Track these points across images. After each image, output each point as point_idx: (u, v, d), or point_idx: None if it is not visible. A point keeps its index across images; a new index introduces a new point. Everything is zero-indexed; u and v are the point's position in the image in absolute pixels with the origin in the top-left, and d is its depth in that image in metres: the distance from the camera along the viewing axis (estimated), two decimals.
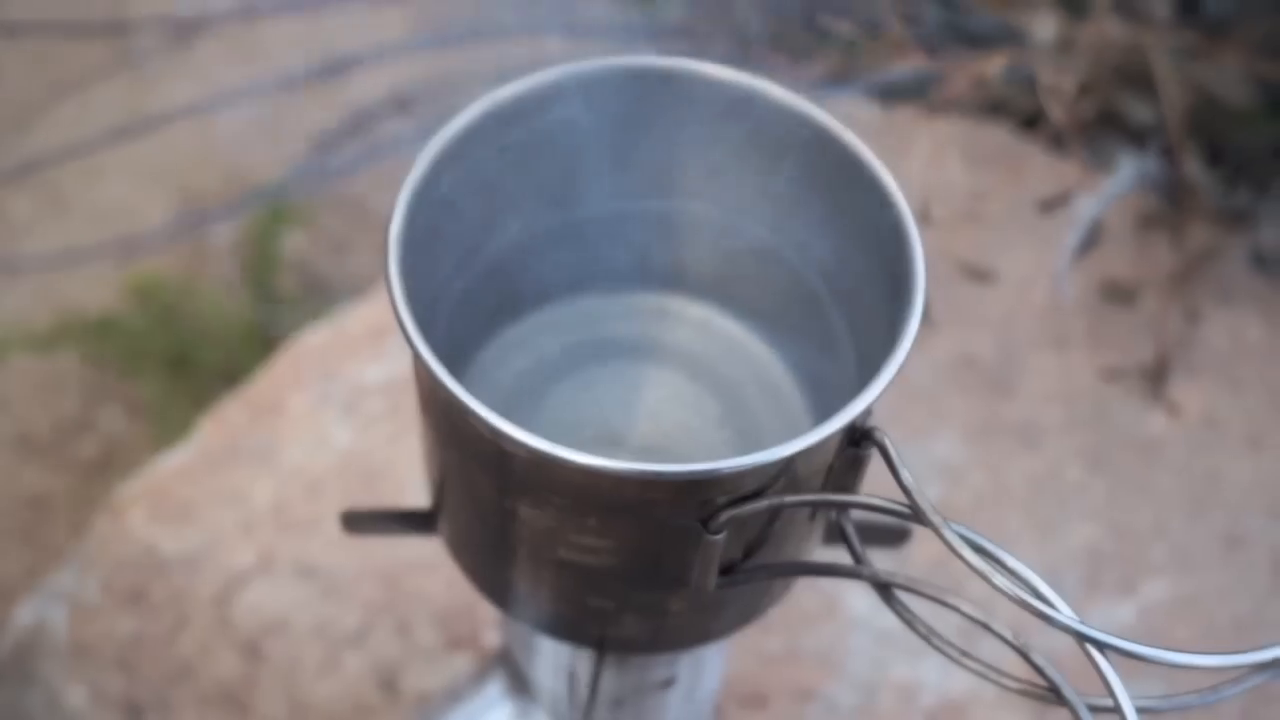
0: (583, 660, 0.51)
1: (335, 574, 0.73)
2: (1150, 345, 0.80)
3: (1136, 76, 0.80)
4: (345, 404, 0.78)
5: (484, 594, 0.48)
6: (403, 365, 0.79)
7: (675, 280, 0.48)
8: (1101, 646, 0.37)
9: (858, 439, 0.40)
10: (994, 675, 0.42)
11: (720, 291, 0.48)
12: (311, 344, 0.80)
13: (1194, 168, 0.81)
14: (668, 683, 0.53)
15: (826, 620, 0.73)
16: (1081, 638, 0.37)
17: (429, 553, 0.68)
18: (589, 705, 0.53)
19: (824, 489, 0.41)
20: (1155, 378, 0.76)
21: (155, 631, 0.71)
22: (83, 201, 1.43)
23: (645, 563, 0.41)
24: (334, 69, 1.32)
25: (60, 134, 1.45)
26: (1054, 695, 0.40)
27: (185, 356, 1.18)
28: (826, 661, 0.71)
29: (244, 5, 1.48)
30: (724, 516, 0.39)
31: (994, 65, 0.67)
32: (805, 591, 0.74)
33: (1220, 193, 0.80)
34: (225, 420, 0.77)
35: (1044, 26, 0.68)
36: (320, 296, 1.32)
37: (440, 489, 0.46)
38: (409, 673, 0.70)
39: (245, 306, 1.28)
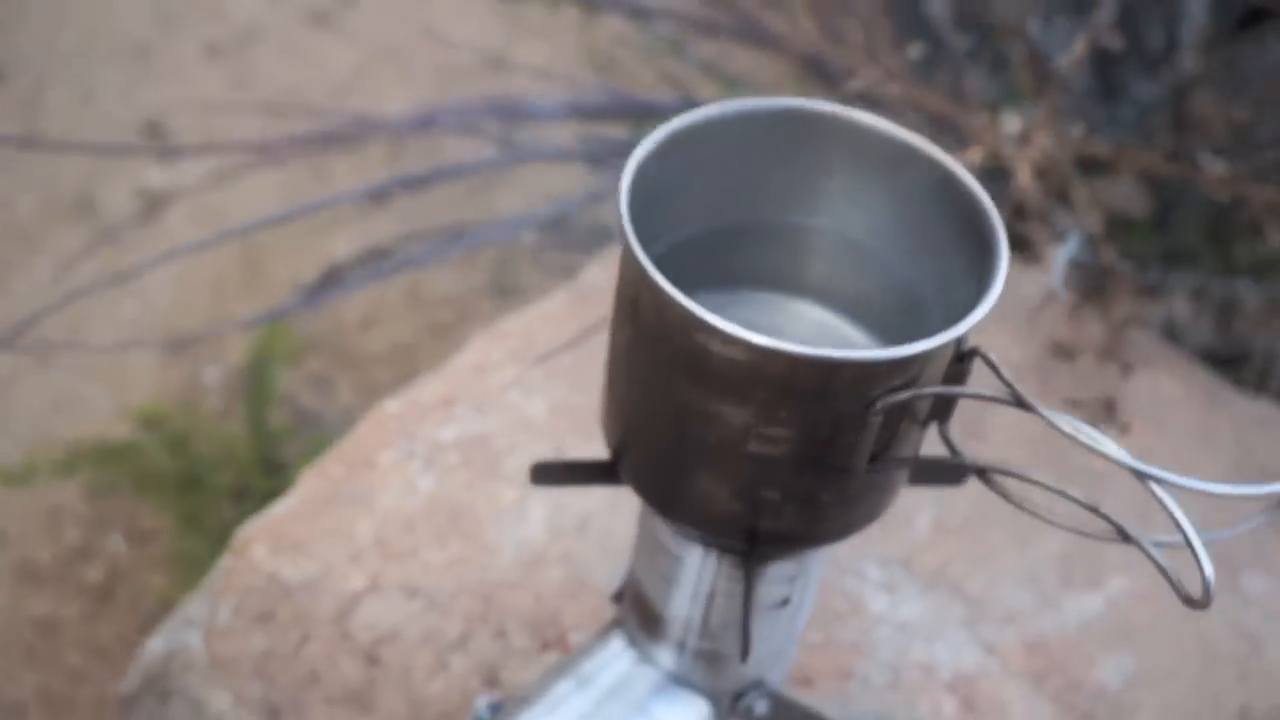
0: (723, 577, 0.66)
1: (436, 593, 0.86)
2: (1092, 393, 1.00)
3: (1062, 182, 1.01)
4: (426, 458, 0.92)
5: (663, 510, 0.63)
6: (474, 426, 0.94)
7: (799, 286, 0.65)
8: (1159, 480, 0.53)
9: (963, 356, 0.57)
10: (1076, 526, 0.58)
11: (837, 297, 0.65)
12: (391, 411, 0.95)
13: (1111, 255, 1.02)
14: (784, 602, 0.68)
15: (853, 616, 0.88)
16: (1142, 475, 0.54)
17: (516, 575, 0.83)
18: (722, 626, 0.68)
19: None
20: (1108, 412, 0.96)
21: (284, 646, 0.84)
22: (68, 357, 1.54)
23: (816, 449, 0.57)
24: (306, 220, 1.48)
25: (40, 297, 1.57)
26: (1122, 535, 0.56)
27: (196, 479, 1.30)
28: (857, 649, 0.87)
29: (212, 171, 1.64)
30: (879, 404, 0.55)
31: (973, 156, 0.87)
32: (834, 597, 0.89)
33: (1136, 275, 1.01)
34: (324, 473, 0.91)
35: (1010, 122, 0.89)
36: (312, 427, 1.46)
37: (629, 422, 0.61)
38: (507, 670, 0.83)
39: (244, 436, 1.40)
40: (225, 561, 0.87)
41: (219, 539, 1.20)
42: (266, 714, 0.81)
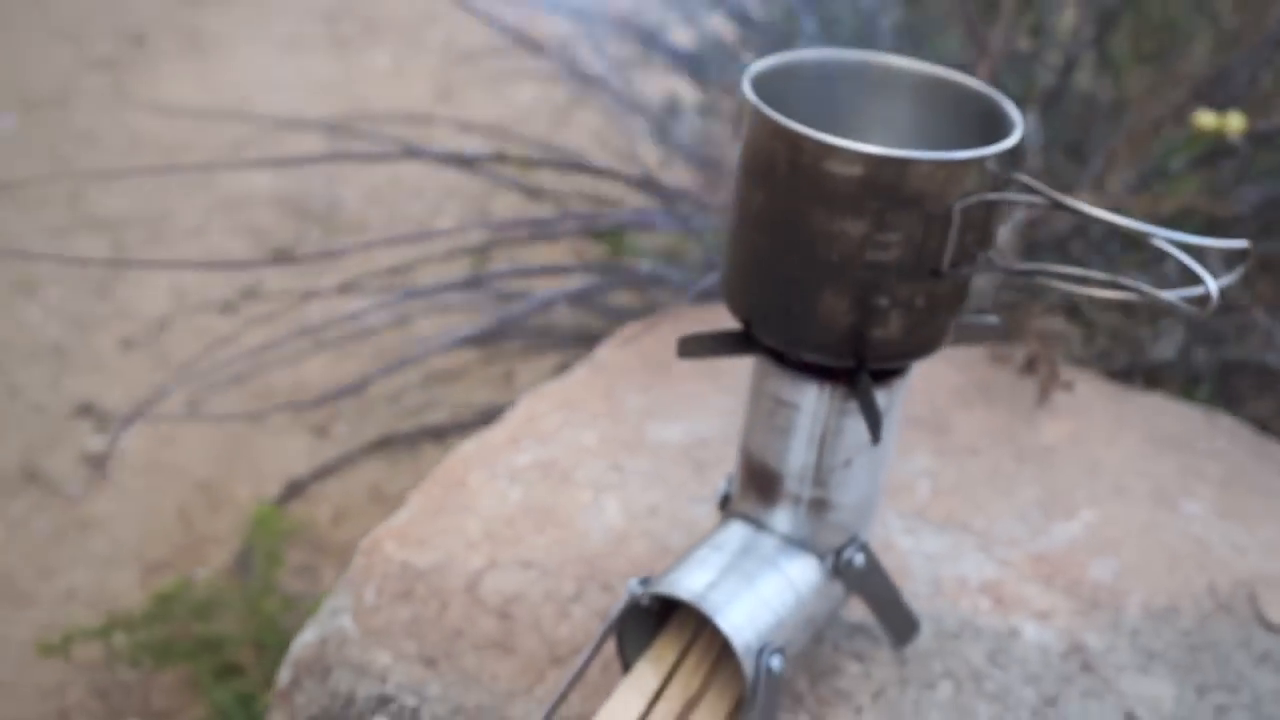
0: (835, 412, 0.85)
1: (546, 564, 1.01)
2: (1027, 393, 1.24)
3: None
4: (509, 477, 1.09)
5: (791, 344, 0.82)
6: (541, 454, 1.11)
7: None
8: (1154, 235, 0.76)
9: (1006, 182, 0.80)
10: (1094, 290, 0.80)
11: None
12: (466, 450, 1.12)
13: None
14: (878, 441, 0.87)
15: (889, 552, 1.07)
16: (1148, 235, 0.77)
17: (609, 548, 1.00)
18: (830, 469, 0.86)
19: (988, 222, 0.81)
20: (1041, 398, 1.20)
21: (427, 613, 0.97)
22: (49, 593, 1.62)
23: (915, 252, 0.78)
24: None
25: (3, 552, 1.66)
26: (1140, 294, 0.78)
27: (217, 646, 1.39)
28: (899, 572, 1.05)
29: (149, 433, 1.79)
30: (958, 205, 0.78)
31: None
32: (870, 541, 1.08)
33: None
34: (426, 493, 1.06)
35: None
36: (299, 612, 1.57)
37: (761, 277, 0.82)
38: None
39: (242, 617, 1.50)
40: (357, 560, 1.00)
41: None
42: (424, 664, 0.94)
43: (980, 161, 0.78)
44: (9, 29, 2.99)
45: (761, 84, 0.82)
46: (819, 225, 0.78)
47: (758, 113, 0.79)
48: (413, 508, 1.05)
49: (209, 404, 1.96)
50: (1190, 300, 0.76)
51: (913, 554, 1.07)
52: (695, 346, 0.86)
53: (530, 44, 1.84)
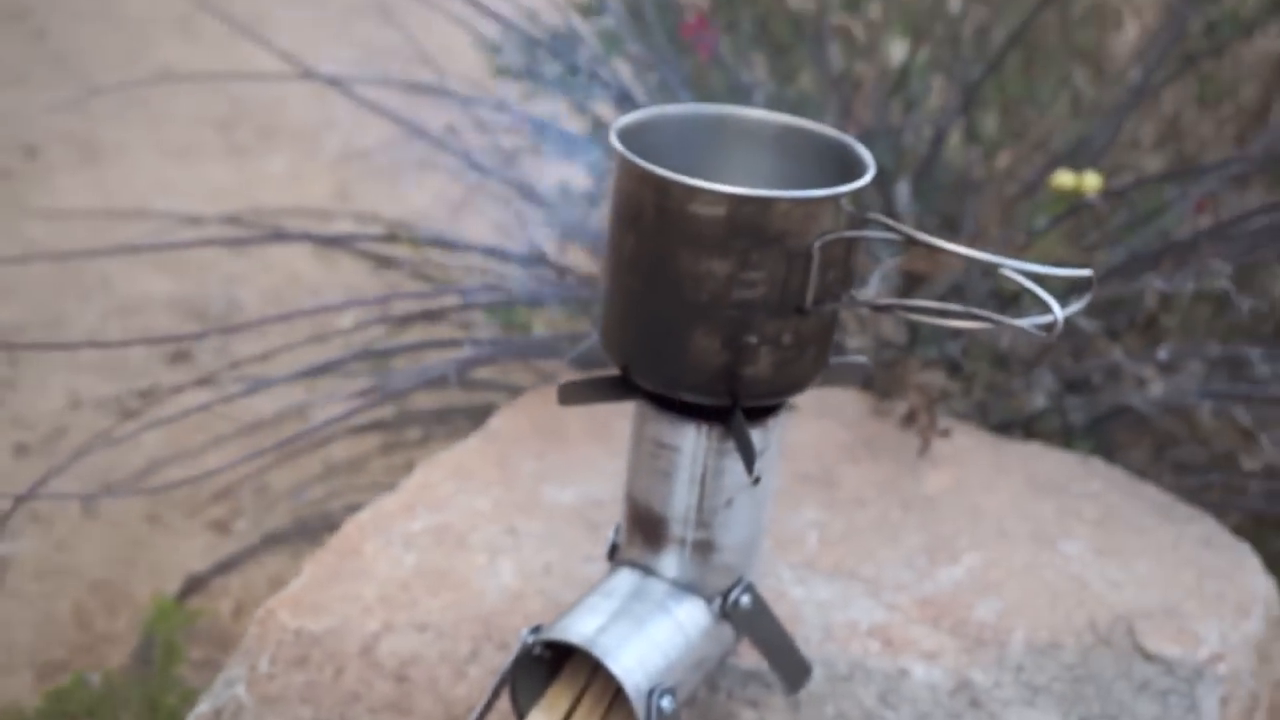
0: (714, 453, 0.88)
1: (442, 626, 1.02)
2: (908, 445, 1.27)
3: None
4: (404, 543, 1.10)
5: (667, 386, 0.85)
6: (436, 520, 1.12)
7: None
8: (1003, 266, 0.80)
9: (864, 221, 0.84)
10: (952, 321, 0.83)
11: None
12: (362, 519, 1.12)
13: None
14: (757, 480, 0.90)
15: (781, 601, 1.09)
16: (998, 266, 0.81)
17: (505, 606, 1.01)
18: (712, 510, 0.89)
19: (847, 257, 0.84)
20: (923, 448, 1.23)
21: (323, 679, 0.97)
22: None
23: (779, 289, 0.82)
24: None
25: None
26: (993, 323, 0.82)
27: None
28: (790, 620, 1.07)
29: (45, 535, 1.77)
30: (818, 242, 0.82)
31: None
32: (762, 592, 1.10)
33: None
34: (321, 561, 1.07)
35: None
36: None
37: (635, 323, 0.85)
38: None
39: (144, 711, 1.48)
40: (251, 630, 1.00)
41: None
42: None
43: (835, 199, 0.81)
44: None
45: (629, 137, 0.86)
46: (687, 266, 0.81)
47: (625, 161, 0.82)
48: (307, 576, 1.05)
49: (106, 505, 1.93)
50: (1039, 326, 0.80)
51: (804, 602, 1.09)
52: (575, 393, 0.88)
53: (429, 140, 1.87)
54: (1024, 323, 0.81)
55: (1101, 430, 1.52)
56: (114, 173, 2.89)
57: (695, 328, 0.83)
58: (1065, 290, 1.40)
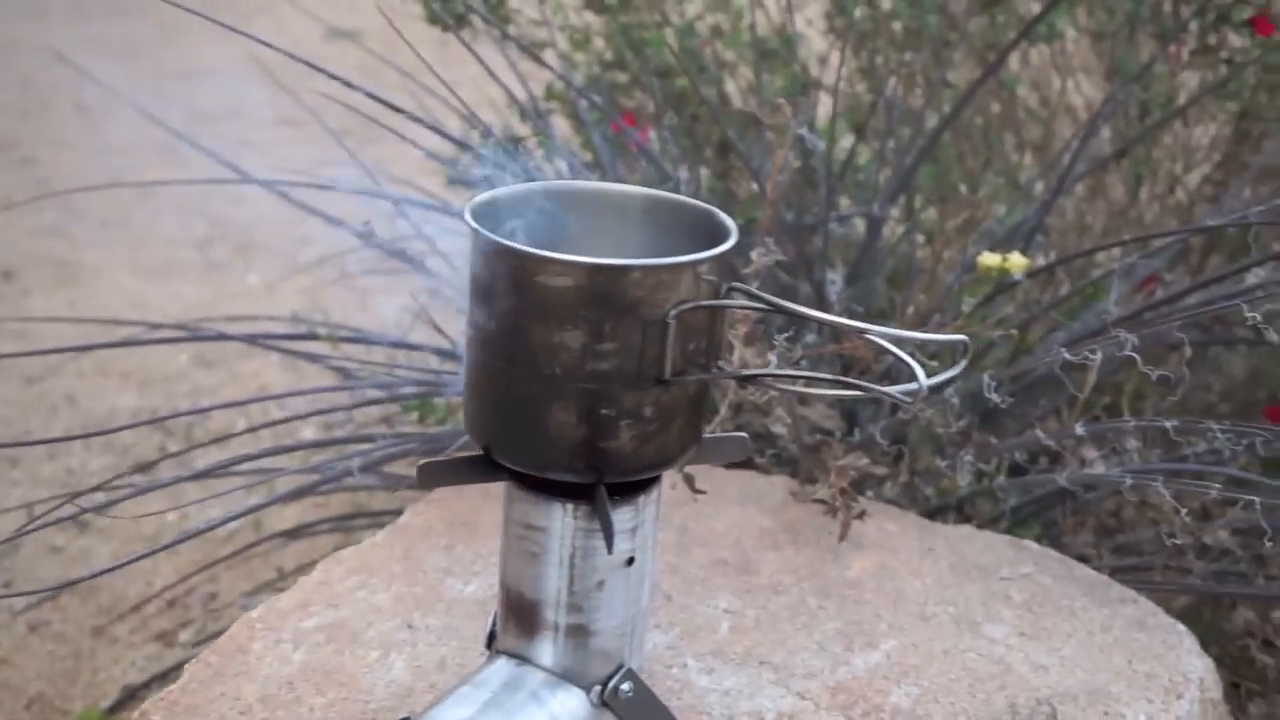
0: (580, 533, 0.84)
1: None
2: (831, 530, 1.23)
3: None
4: (294, 641, 1.05)
5: (531, 464, 0.81)
6: (330, 616, 1.08)
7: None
8: (868, 331, 0.77)
9: (729, 290, 0.81)
10: (822, 390, 0.80)
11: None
12: (252, 616, 1.08)
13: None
14: (629, 561, 0.86)
15: (685, 691, 1.04)
16: (863, 332, 0.78)
17: (393, 703, 0.97)
18: (584, 591, 0.85)
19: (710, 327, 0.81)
20: (842, 532, 1.19)
21: None
22: None
23: (635, 360, 0.78)
24: None
25: None
26: (863, 390, 0.78)
27: None
28: (694, 709, 1.02)
29: None
30: (674, 311, 0.79)
31: None
32: (665, 681, 1.05)
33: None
34: (204, 662, 1.02)
35: None
36: None
37: (492, 401, 0.81)
38: None
39: None
40: None
41: None
42: None
43: (692, 267, 0.78)
44: None
45: (488, 215, 0.83)
46: (539, 338, 0.78)
47: (477, 235, 0.79)
48: (187, 676, 1.01)
49: (52, 618, 1.89)
50: (905, 393, 0.77)
51: (709, 691, 1.04)
52: (435, 474, 0.84)
53: (401, 259, 1.85)
54: (891, 390, 0.77)
55: (1044, 515, 1.47)
56: (88, 292, 2.89)
57: (552, 402, 0.79)
58: (1004, 361, 1.36)
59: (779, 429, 1.34)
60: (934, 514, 1.39)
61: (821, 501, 1.23)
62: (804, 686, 1.05)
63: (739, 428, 1.40)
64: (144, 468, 2.29)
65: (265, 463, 1.74)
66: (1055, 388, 1.46)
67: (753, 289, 0.80)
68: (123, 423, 2.45)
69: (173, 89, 4.12)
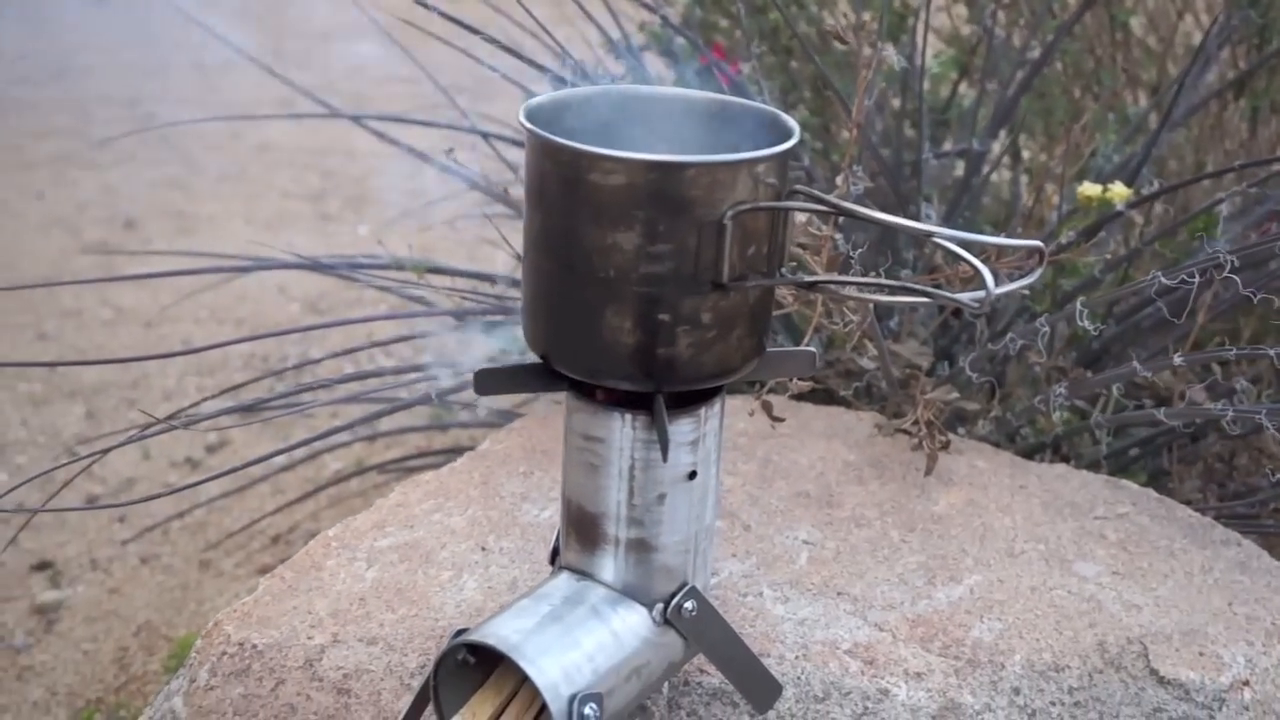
0: (639, 444, 0.82)
1: (392, 640, 0.97)
2: (918, 466, 1.19)
3: None
4: (368, 559, 1.05)
5: (587, 373, 0.79)
6: (405, 537, 1.08)
7: None
8: (935, 234, 0.74)
9: (790, 193, 0.78)
10: (885, 296, 0.77)
11: None
12: (329, 535, 1.08)
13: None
14: (691, 475, 0.84)
15: (760, 619, 1.01)
16: (929, 235, 0.74)
17: (462, 621, 0.95)
18: (645, 506, 0.83)
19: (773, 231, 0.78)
20: (929, 465, 1.15)
21: (260, 691, 0.92)
22: None
23: (691, 262, 0.76)
24: None
25: None
26: (928, 296, 0.75)
27: None
28: (768, 637, 0.99)
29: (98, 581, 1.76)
30: (730, 213, 0.76)
31: None
32: (739, 609, 1.03)
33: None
34: (279, 577, 1.03)
35: None
36: None
37: (548, 305, 0.79)
38: None
39: None
40: (197, 643, 0.96)
41: None
42: None
43: (750, 166, 0.76)
44: (10, 218, 3.07)
45: (546, 118, 0.81)
46: (592, 240, 0.76)
47: (530, 135, 0.78)
48: (261, 590, 1.01)
49: (162, 552, 1.93)
50: (973, 299, 0.73)
51: (783, 620, 1.01)
52: (493, 381, 0.83)
53: (512, 207, 1.84)
54: (958, 296, 0.74)
55: (1151, 464, 1.41)
56: (205, 242, 2.94)
57: (605, 306, 0.77)
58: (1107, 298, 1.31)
59: (868, 364, 1.30)
60: (1030, 454, 1.34)
61: (907, 433, 1.19)
62: (882, 618, 1.02)
63: (829, 364, 1.37)
64: (253, 408, 2.33)
65: (366, 406, 1.75)
66: (1164, 330, 1.40)
67: (815, 191, 0.76)
68: (237, 367, 2.49)
69: (293, 48, 4.17)
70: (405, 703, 0.91)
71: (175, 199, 3.20)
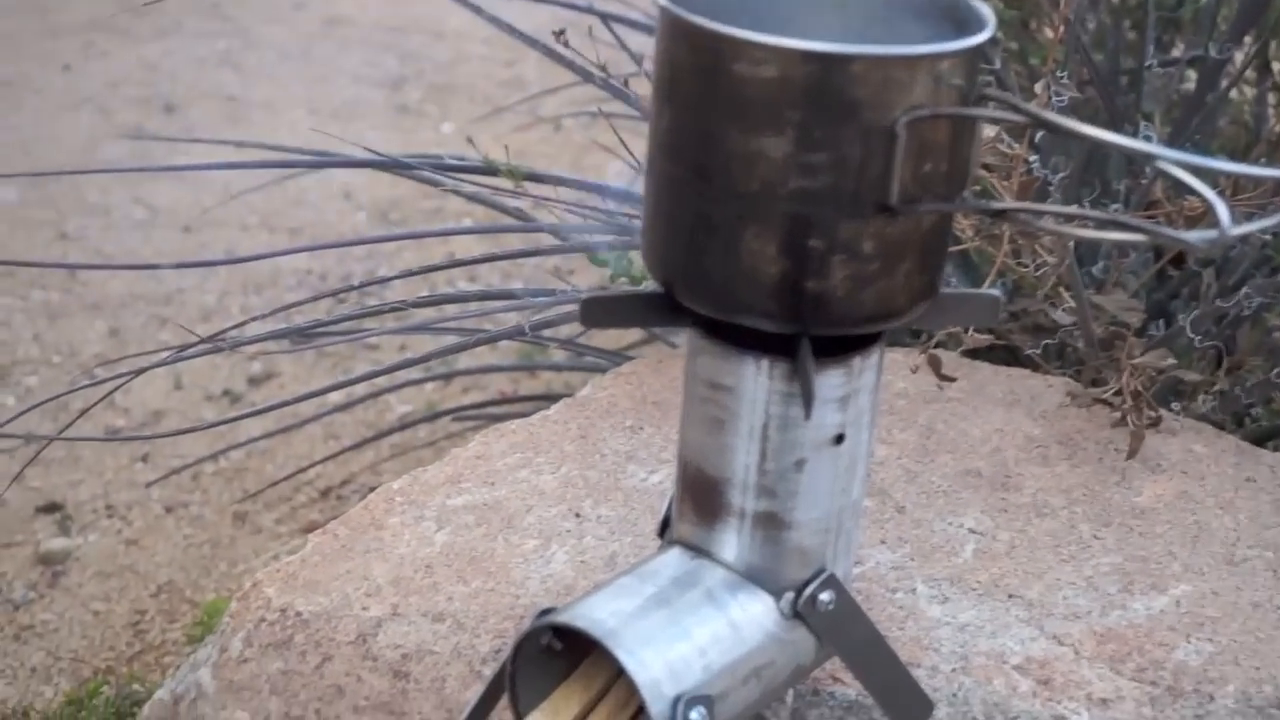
0: (776, 398, 0.82)
1: (463, 617, 0.99)
2: (1119, 446, 1.18)
3: None
4: (437, 519, 1.07)
5: (716, 307, 0.79)
6: (484, 496, 1.09)
7: None
8: (1159, 157, 0.72)
9: (978, 99, 0.78)
10: (1090, 232, 0.76)
11: None
12: (393, 488, 1.10)
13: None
14: (838, 439, 0.84)
15: (910, 620, 1.02)
16: (1151, 158, 0.73)
17: (548, 601, 0.97)
18: (778, 473, 0.83)
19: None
20: (1132, 446, 1.14)
21: (304, 668, 0.95)
22: None
23: (853, 176, 0.75)
24: None
25: None
26: (1146, 234, 0.73)
27: None
28: (919, 643, 1.00)
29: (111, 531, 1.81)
30: (905, 120, 0.75)
31: None
32: (886, 606, 1.03)
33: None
34: (332, 534, 1.05)
35: None
36: None
37: (676, 223, 0.79)
38: None
39: None
40: (231, 606, 0.99)
41: None
42: None
43: (931, 63, 0.75)
44: (30, 94, 3.15)
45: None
46: (734, 145, 0.76)
47: (663, 14, 0.78)
48: (310, 548, 1.04)
49: (191, 500, 1.99)
50: (1204, 239, 0.72)
51: (941, 624, 1.02)
52: (603, 311, 0.84)
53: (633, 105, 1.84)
54: (1185, 235, 0.73)
55: None
56: (260, 132, 2.99)
57: (746, 226, 0.77)
58: None
59: (1063, 318, 1.29)
60: (1261, 439, 1.32)
61: (1108, 405, 1.18)
62: (1063, 629, 1.02)
63: (1013, 316, 1.36)
64: (307, 333, 2.37)
65: (442, 338, 1.77)
66: None
67: (1008, 96, 0.76)
68: (290, 285, 2.54)
69: None
70: (474, 693, 0.92)
71: (225, 79, 3.26)
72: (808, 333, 0.80)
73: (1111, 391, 1.18)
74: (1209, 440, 1.24)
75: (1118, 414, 1.20)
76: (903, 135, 0.75)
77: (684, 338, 0.86)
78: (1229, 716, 0.97)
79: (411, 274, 1.80)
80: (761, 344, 0.82)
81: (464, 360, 2.15)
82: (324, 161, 1.92)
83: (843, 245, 0.77)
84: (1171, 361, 1.21)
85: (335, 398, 2.09)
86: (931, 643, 1.00)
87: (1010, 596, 1.04)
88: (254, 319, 1.77)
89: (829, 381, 0.82)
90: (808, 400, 0.80)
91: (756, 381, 0.82)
